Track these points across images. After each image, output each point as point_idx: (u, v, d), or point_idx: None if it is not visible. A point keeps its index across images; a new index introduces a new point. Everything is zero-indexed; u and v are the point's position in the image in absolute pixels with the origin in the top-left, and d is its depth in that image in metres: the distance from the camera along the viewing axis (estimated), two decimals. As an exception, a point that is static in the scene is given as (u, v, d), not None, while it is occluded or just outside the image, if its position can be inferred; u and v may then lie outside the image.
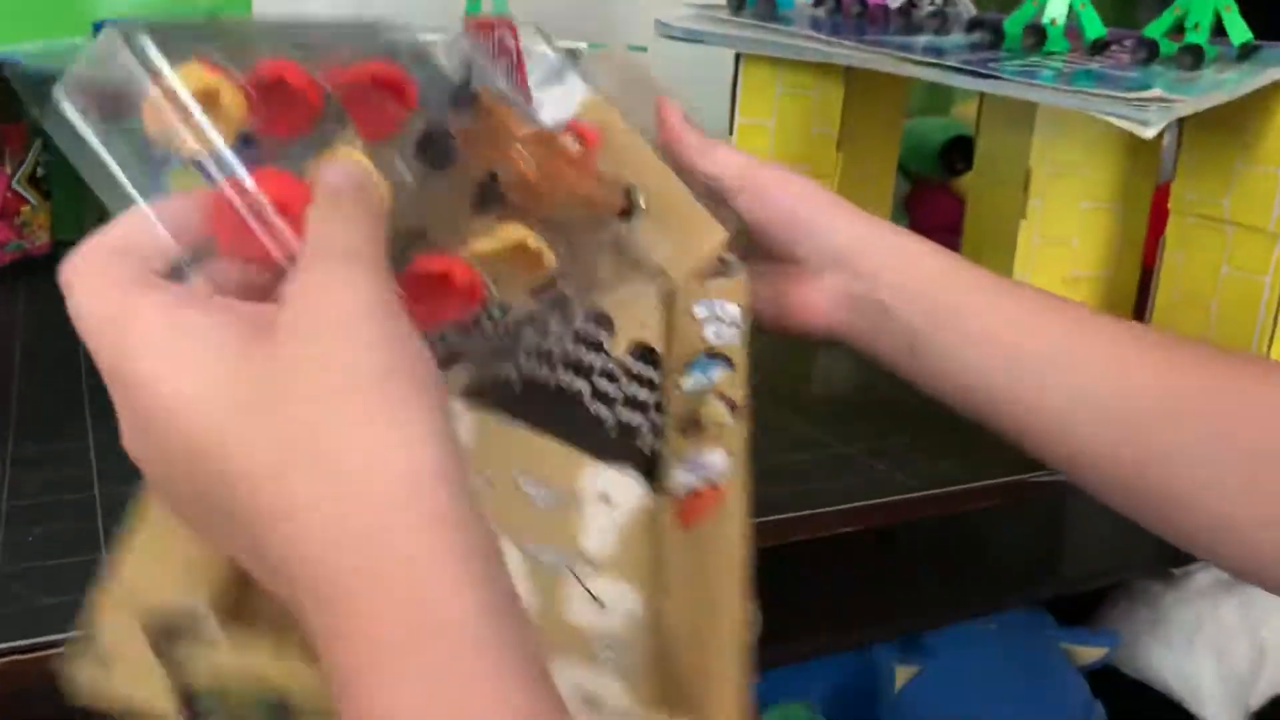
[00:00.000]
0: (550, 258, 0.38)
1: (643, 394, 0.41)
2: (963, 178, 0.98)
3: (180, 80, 0.30)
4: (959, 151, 0.99)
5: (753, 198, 0.48)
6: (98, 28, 0.72)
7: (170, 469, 0.29)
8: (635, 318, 0.43)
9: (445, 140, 0.37)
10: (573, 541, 0.36)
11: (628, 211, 0.46)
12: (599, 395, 0.40)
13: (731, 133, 0.77)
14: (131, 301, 0.29)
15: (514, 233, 0.38)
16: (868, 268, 0.48)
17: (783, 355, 0.71)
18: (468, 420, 0.37)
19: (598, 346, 0.41)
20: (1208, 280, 0.70)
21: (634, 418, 0.40)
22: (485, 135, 0.40)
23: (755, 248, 0.50)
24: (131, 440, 0.30)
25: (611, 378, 0.41)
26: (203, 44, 0.33)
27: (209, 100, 0.31)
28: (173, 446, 0.28)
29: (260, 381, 0.27)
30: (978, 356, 0.46)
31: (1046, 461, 0.47)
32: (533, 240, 0.38)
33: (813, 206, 0.48)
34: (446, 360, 0.34)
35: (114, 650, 0.29)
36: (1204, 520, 0.42)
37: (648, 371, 0.42)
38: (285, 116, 0.33)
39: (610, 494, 0.37)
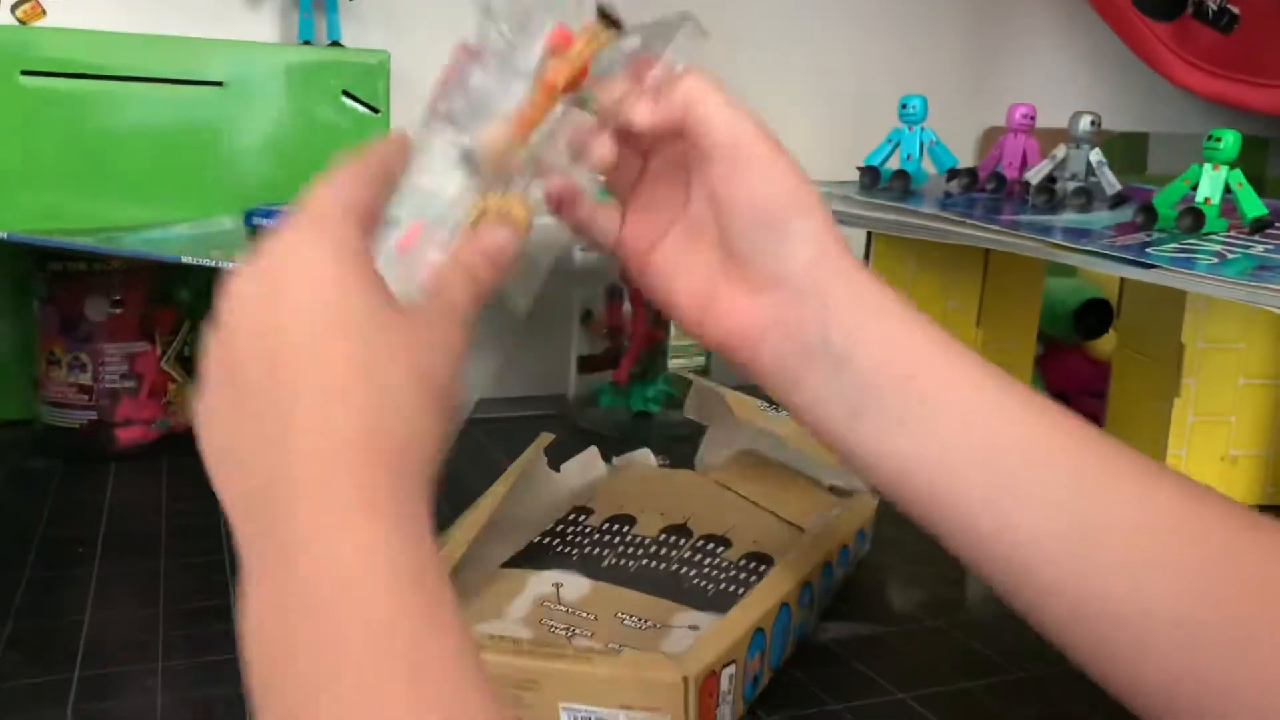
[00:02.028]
0: None
1: (750, 577, 0.52)
2: (1097, 340, 0.95)
3: None
4: (1093, 314, 0.96)
5: (731, 170, 0.39)
6: (249, 216, 0.75)
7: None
8: (750, 537, 0.56)
9: None
10: (655, 647, 0.47)
11: None
12: (704, 575, 0.52)
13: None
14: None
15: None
16: (820, 292, 0.38)
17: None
18: (585, 585, 0.51)
19: (714, 554, 0.54)
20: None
21: (732, 586, 0.51)
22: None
23: (709, 221, 0.41)
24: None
25: (721, 569, 0.52)
26: None
27: None
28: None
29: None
30: (947, 437, 0.36)
31: (1002, 592, 0.36)
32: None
33: (792, 207, 0.39)
34: None
35: None
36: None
37: (758, 565, 0.53)
38: None
39: (699, 625, 0.48)
